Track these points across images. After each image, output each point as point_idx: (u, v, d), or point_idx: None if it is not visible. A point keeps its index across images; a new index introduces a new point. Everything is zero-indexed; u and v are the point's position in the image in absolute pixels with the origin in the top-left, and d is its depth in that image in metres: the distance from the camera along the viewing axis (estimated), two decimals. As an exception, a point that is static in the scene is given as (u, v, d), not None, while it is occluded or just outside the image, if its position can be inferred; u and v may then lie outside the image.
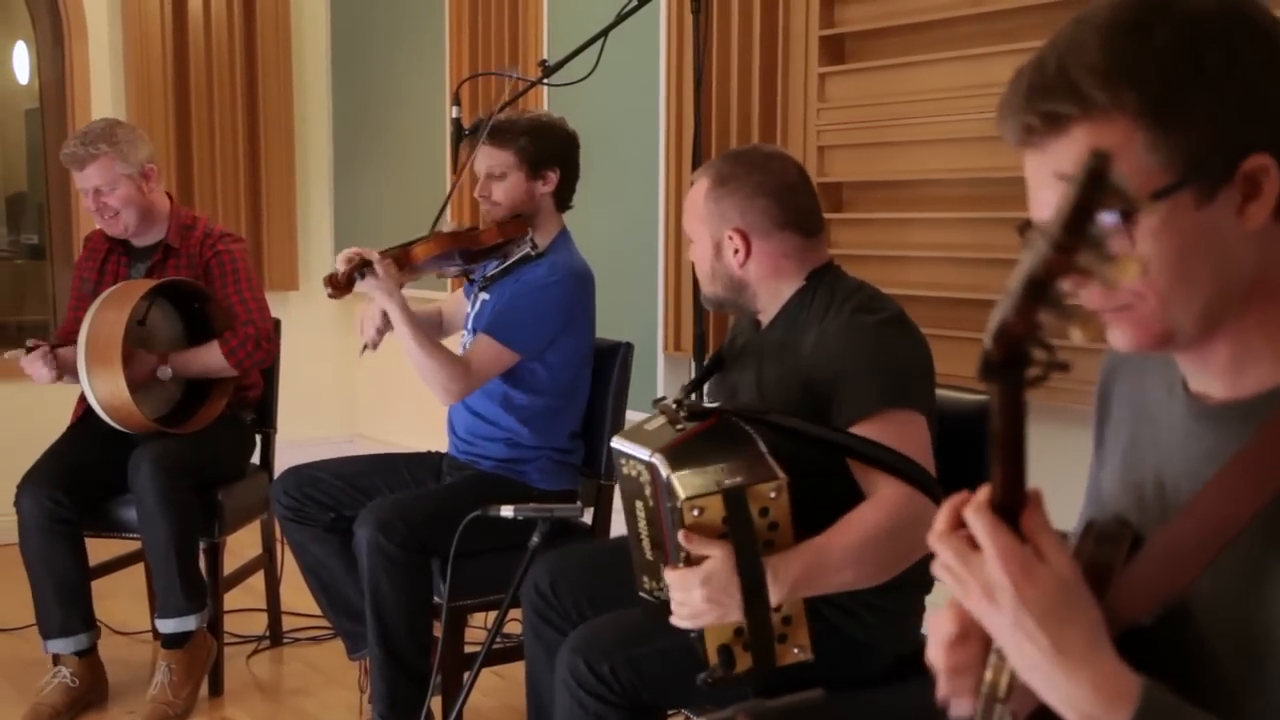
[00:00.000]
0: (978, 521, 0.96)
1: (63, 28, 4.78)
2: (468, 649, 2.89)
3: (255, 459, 3.53)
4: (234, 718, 3.17)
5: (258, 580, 3.58)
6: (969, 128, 2.82)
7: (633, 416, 2.37)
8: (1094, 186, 0.84)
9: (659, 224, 3.70)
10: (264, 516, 3.49)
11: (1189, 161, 0.97)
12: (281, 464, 3.37)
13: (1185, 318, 1.01)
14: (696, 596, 1.71)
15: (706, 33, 3.21)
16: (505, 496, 2.24)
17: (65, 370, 3.13)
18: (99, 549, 3.21)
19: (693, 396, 2.09)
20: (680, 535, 1.71)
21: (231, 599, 3.42)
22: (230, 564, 3.35)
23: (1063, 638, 0.94)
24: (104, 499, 3.15)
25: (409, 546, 2.61)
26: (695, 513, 1.70)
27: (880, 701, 1.91)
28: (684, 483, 1.71)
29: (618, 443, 1.88)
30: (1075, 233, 0.83)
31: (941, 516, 1.00)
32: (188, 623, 3.09)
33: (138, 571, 3.58)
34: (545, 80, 2.97)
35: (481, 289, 2.92)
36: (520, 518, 2.10)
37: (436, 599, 2.68)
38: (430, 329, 2.92)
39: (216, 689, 3.26)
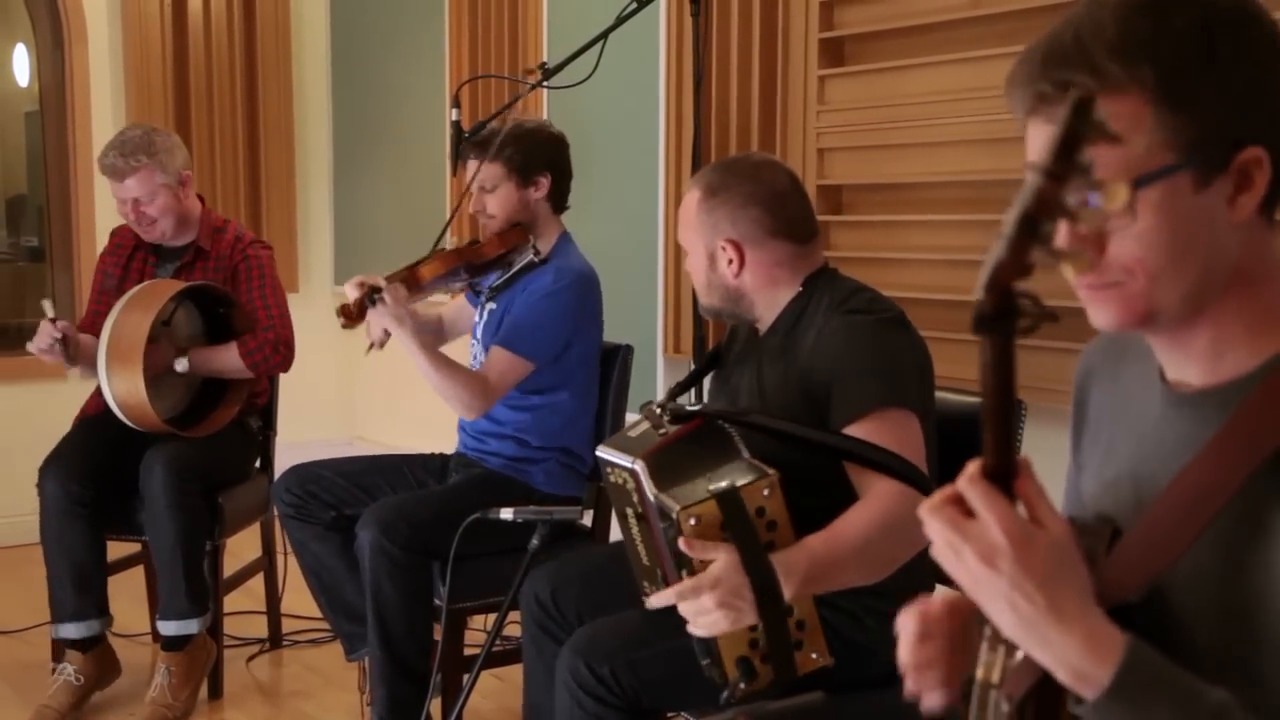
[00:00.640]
0: (973, 490, 0.97)
1: (63, 31, 4.78)
2: (467, 651, 2.90)
3: (256, 462, 3.53)
4: (234, 720, 3.18)
5: (257, 583, 3.58)
6: (969, 130, 2.82)
7: (632, 419, 2.37)
8: (1080, 118, 0.86)
9: (658, 226, 3.70)
10: (264, 519, 3.49)
11: (1192, 145, 1.01)
12: (281, 466, 3.37)
13: (1171, 298, 1.04)
14: (708, 602, 1.67)
15: (706, 35, 3.22)
16: (508, 498, 2.25)
17: (83, 358, 3.14)
18: (99, 551, 3.21)
19: (689, 398, 2.09)
20: (681, 542, 1.69)
21: (231, 601, 3.42)
22: (230, 567, 3.36)
23: (1058, 597, 0.96)
24: (116, 498, 3.16)
25: (411, 548, 2.61)
26: (692, 522, 1.68)
27: (879, 704, 1.90)
28: (675, 495, 1.70)
29: (603, 451, 1.89)
30: (1065, 160, 0.86)
31: (937, 494, 1.01)
32: (190, 626, 3.09)
33: (138, 574, 3.58)
34: (545, 83, 2.97)
35: (488, 300, 2.93)
36: (520, 520, 2.11)
37: (437, 601, 2.68)
38: (436, 341, 2.93)
39: (216, 692, 3.26)
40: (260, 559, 3.56)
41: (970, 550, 0.96)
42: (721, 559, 1.68)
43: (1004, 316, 0.90)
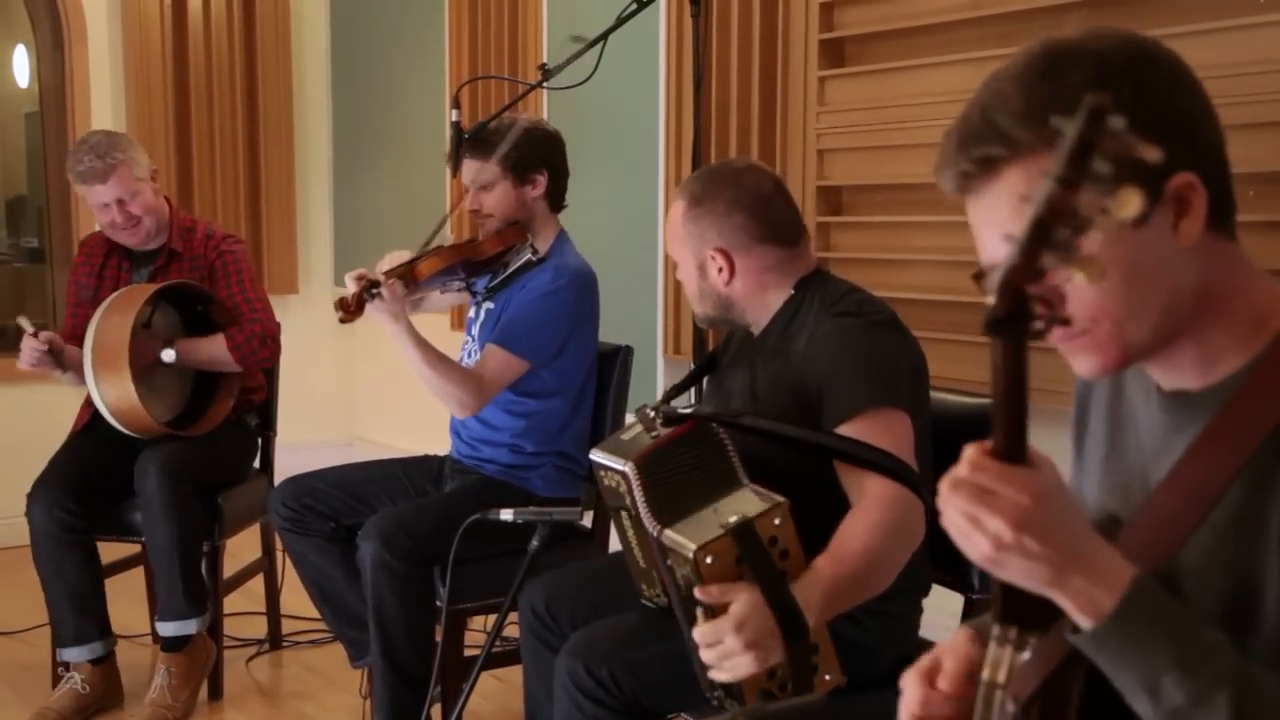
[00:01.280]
0: (986, 467, 0.98)
1: (63, 31, 4.78)
2: (467, 652, 2.89)
3: (255, 462, 3.52)
4: (233, 721, 3.18)
5: (257, 584, 3.58)
6: (969, 131, 2.82)
7: (632, 420, 2.36)
8: (1095, 123, 0.87)
9: (658, 227, 3.70)
10: (263, 520, 3.48)
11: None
12: (281, 467, 3.37)
13: (1140, 336, 1.07)
14: (734, 644, 1.61)
15: (706, 36, 3.21)
16: (507, 504, 2.24)
17: (70, 366, 3.12)
18: (100, 552, 3.20)
19: (681, 398, 2.09)
20: (697, 592, 1.62)
21: (231, 602, 3.41)
22: (230, 567, 3.35)
23: (1075, 535, 0.99)
24: (112, 503, 3.15)
25: (413, 560, 2.61)
26: (709, 560, 1.62)
27: (879, 704, 1.90)
28: (687, 535, 1.64)
29: (596, 455, 1.89)
30: (1078, 167, 0.87)
31: (951, 474, 1.01)
32: (188, 626, 3.09)
33: (138, 575, 3.58)
34: (545, 84, 2.97)
35: (485, 298, 2.92)
36: (520, 521, 2.11)
37: (437, 603, 2.68)
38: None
39: (216, 693, 3.26)
40: (260, 560, 3.56)
41: (999, 519, 0.96)
42: (743, 599, 1.62)
43: (1016, 320, 0.91)
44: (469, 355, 2.93)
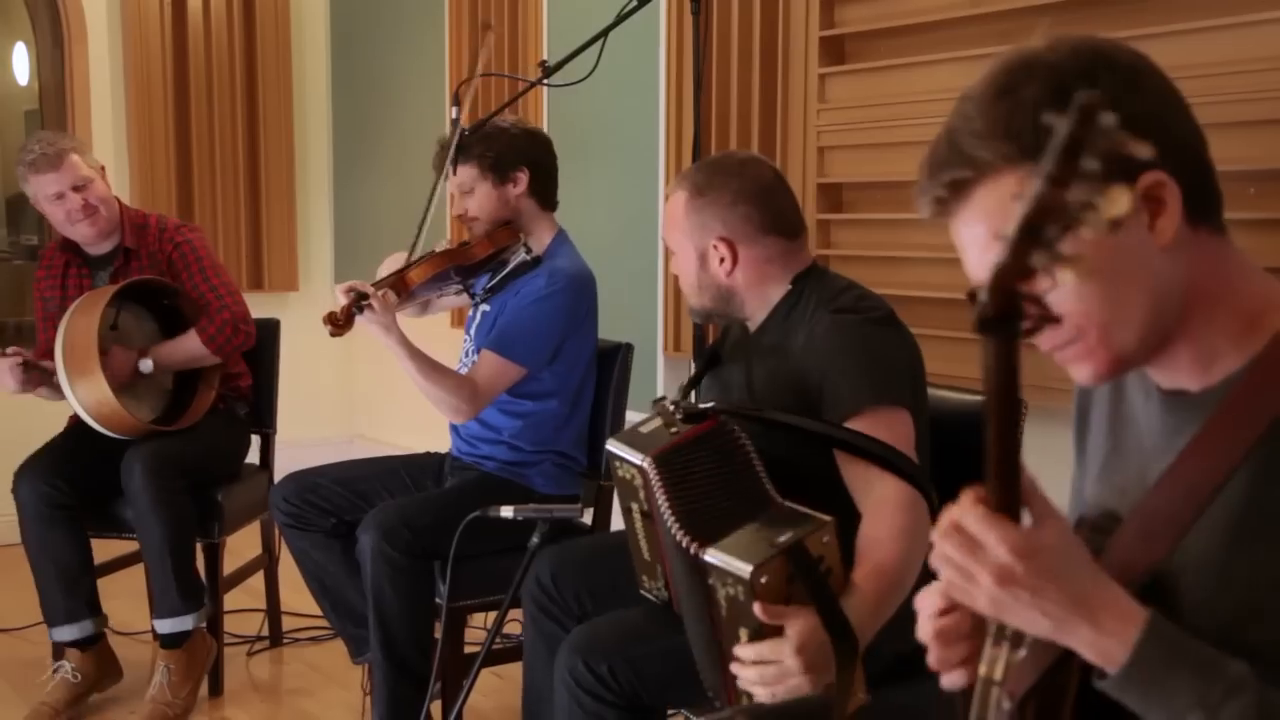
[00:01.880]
0: (969, 518, 1.00)
1: (62, 30, 4.78)
2: (467, 649, 2.89)
3: (255, 459, 3.53)
4: (233, 718, 3.17)
5: (257, 580, 3.58)
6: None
7: (632, 417, 2.37)
8: (1085, 123, 0.87)
9: (658, 225, 3.70)
10: (263, 517, 3.48)
11: None
12: (281, 464, 3.37)
13: (1129, 340, 1.06)
14: (793, 666, 1.59)
15: (706, 33, 3.21)
16: (508, 500, 2.24)
17: (45, 383, 3.10)
18: (99, 549, 3.20)
19: (690, 397, 2.09)
20: (757, 608, 1.59)
21: (231, 599, 3.42)
22: (230, 564, 3.35)
23: (1078, 589, 0.99)
24: (104, 496, 3.15)
25: (413, 553, 2.61)
26: (764, 579, 1.59)
27: (879, 701, 1.90)
28: (737, 555, 1.60)
29: (612, 445, 1.88)
30: (1068, 165, 0.87)
31: (944, 520, 1.03)
32: (184, 623, 3.09)
33: (137, 572, 3.57)
34: (545, 81, 2.97)
35: (481, 301, 2.92)
36: (520, 518, 2.10)
37: (437, 600, 2.68)
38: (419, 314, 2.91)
39: (216, 689, 3.26)
40: (260, 556, 3.56)
41: (985, 574, 0.99)
42: (801, 621, 1.59)
43: (1006, 318, 0.91)
44: (466, 355, 2.93)
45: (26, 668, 3.40)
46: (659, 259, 3.72)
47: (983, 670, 1.04)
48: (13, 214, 5.35)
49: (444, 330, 4.34)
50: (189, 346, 3.18)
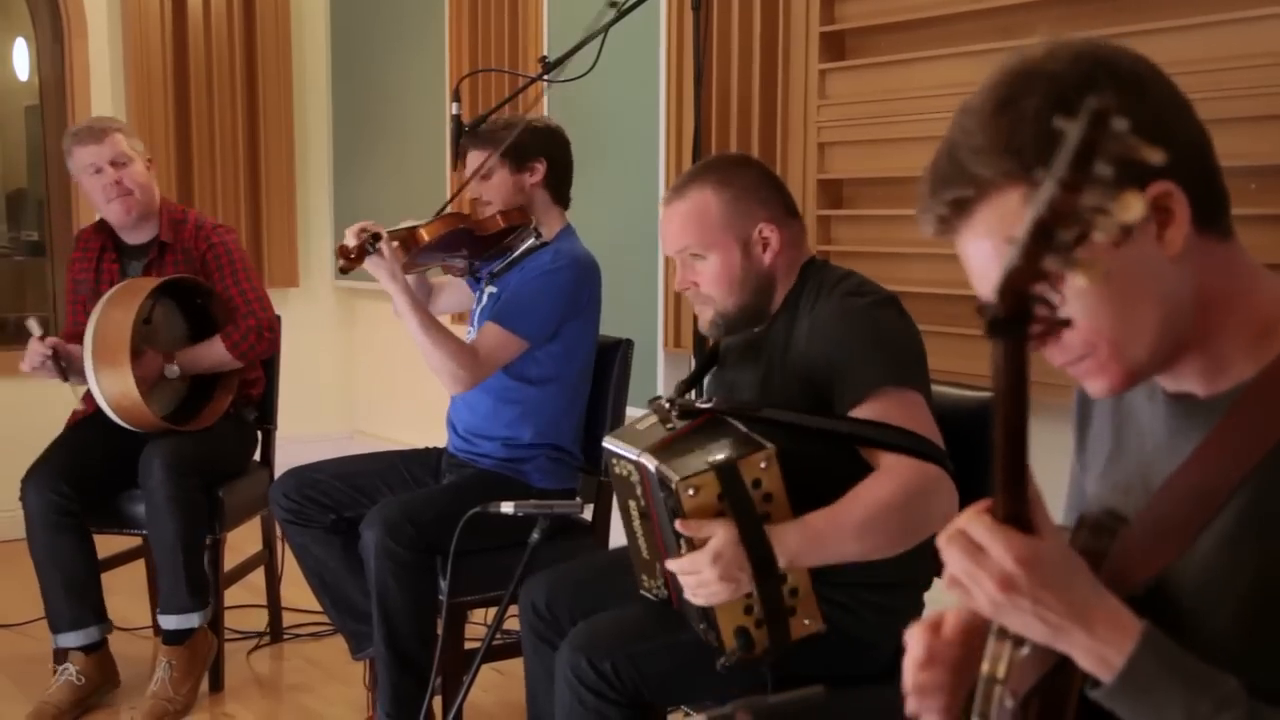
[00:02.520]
0: (976, 525, 1.00)
1: (63, 24, 4.77)
2: (468, 645, 2.90)
3: (255, 455, 3.53)
4: (234, 714, 3.17)
5: (258, 576, 3.58)
6: (969, 124, 2.81)
7: (633, 414, 2.36)
8: (1097, 127, 0.85)
9: (659, 220, 3.69)
10: (264, 513, 3.48)
11: None
12: (281, 460, 3.37)
13: (1141, 354, 1.05)
14: (709, 575, 1.72)
15: (707, 29, 3.21)
16: (508, 495, 2.24)
17: (69, 368, 3.12)
18: (100, 545, 3.20)
19: (690, 395, 2.09)
20: (678, 524, 1.73)
21: (232, 595, 3.42)
22: (230, 560, 3.36)
23: (1077, 599, 1.00)
24: (109, 494, 3.16)
25: (416, 548, 2.61)
26: (690, 493, 1.72)
27: (881, 698, 1.90)
28: (674, 467, 1.73)
29: (609, 443, 1.89)
30: (1081, 170, 0.85)
31: (951, 526, 1.03)
32: (190, 620, 3.09)
33: (138, 568, 3.58)
34: (546, 76, 2.97)
35: (488, 284, 2.92)
36: (521, 514, 2.11)
37: (439, 596, 2.68)
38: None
39: (217, 685, 3.26)
40: (260, 552, 3.56)
41: (987, 580, 0.99)
42: (720, 533, 1.72)
43: (1016, 321, 0.91)
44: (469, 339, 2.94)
45: (28, 663, 3.40)
46: (659, 255, 3.72)
47: (986, 668, 1.05)
48: (13, 210, 5.35)
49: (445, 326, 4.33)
50: (214, 353, 3.21)
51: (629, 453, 1.82)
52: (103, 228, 3.33)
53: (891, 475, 1.80)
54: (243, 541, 3.55)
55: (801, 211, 2.19)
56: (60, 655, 3.17)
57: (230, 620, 3.45)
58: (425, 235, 2.75)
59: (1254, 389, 1.04)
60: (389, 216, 5.01)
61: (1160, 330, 1.04)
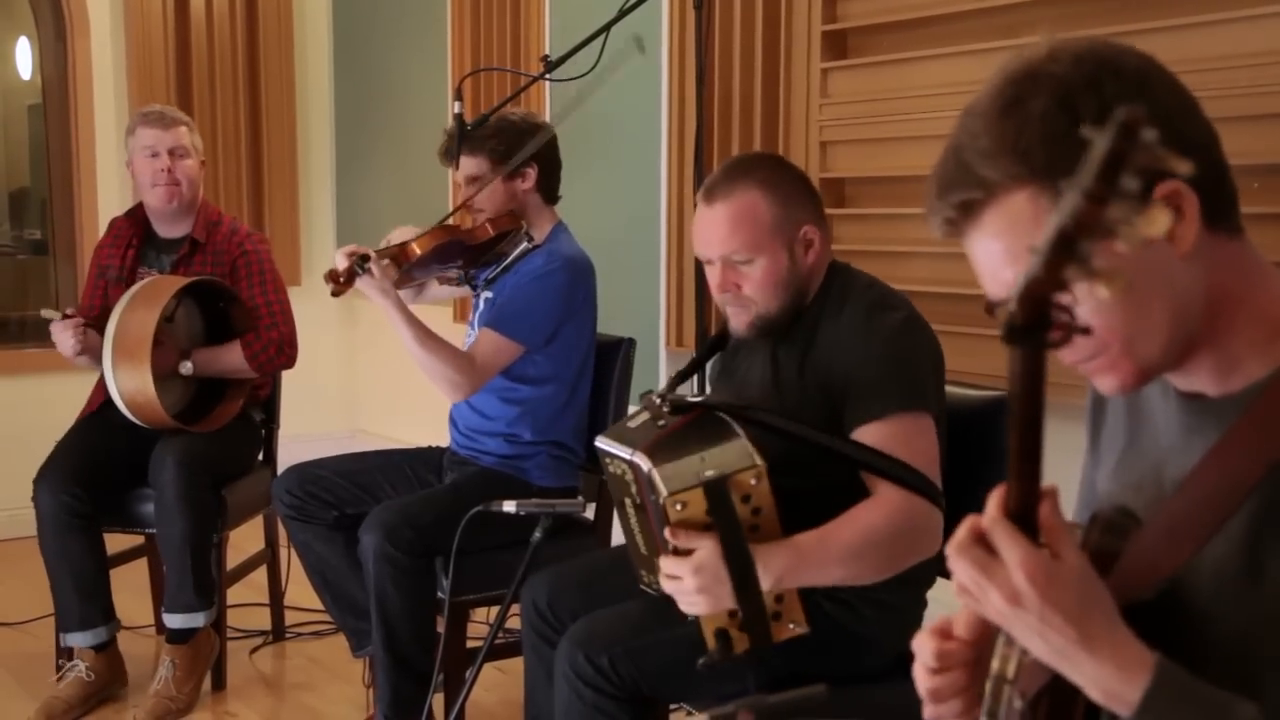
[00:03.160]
0: (996, 530, 0.99)
1: (65, 24, 4.78)
2: (469, 644, 2.90)
3: (258, 455, 3.53)
4: (237, 713, 3.18)
5: (260, 575, 3.59)
6: (972, 123, 2.81)
7: (638, 407, 2.36)
8: (1126, 138, 0.84)
9: (660, 219, 3.69)
10: (266, 512, 3.49)
11: None
12: (284, 459, 3.37)
13: (1154, 352, 1.05)
14: (689, 586, 1.75)
15: (709, 27, 3.21)
16: (508, 494, 2.24)
17: (89, 350, 3.13)
18: (105, 543, 3.21)
19: (688, 389, 2.09)
20: (666, 532, 1.74)
21: (234, 594, 3.42)
22: (233, 559, 3.36)
23: (1086, 627, 0.98)
24: (118, 493, 3.16)
25: (415, 552, 2.61)
26: (679, 507, 1.73)
27: (882, 697, 1.90)
28: (665, 478, 1.73)
29: (602, 442, 1.89)
30: (1108, 182, 0.84)
31: (962, 529, 1.02)
32: (196, 619, 3.10)
33: (141, 566, 3.58)
34: (547, 76, 2.97)
35: (484, 289, 2.92)
36: (522, 513, 2.10)
37: (440, 595, 2.68)
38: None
39: (219, 684, 3.26)
40: (263, 551, 3.56)
41: (995, 592, 0.99)
42: (705, 547, 1.74)
43: (1035, 328, 0.90)
44: (467, 344, 2.94)
45: (31, 661, 3.41)
46: (661, 253, 3.72)
47: (995, 667, 1.05)
48: (16, 208, 5.36)
49: (446, 328, 4.33)
50: (231, 358, 3.22)
51: (622, 452, 1.82)
52: (135, 218, 3.36)
53: (883, 505, 1.83)
54: (245, 540, 3.55)
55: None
56: (65, 653, 3.17)
57: (232, 619, 3.46)
58: (417, 250, 2.74)
59: (1270, 391, 1.04)
60: (391, 215, 5.03)
61: (1172, 328, 1.04)
